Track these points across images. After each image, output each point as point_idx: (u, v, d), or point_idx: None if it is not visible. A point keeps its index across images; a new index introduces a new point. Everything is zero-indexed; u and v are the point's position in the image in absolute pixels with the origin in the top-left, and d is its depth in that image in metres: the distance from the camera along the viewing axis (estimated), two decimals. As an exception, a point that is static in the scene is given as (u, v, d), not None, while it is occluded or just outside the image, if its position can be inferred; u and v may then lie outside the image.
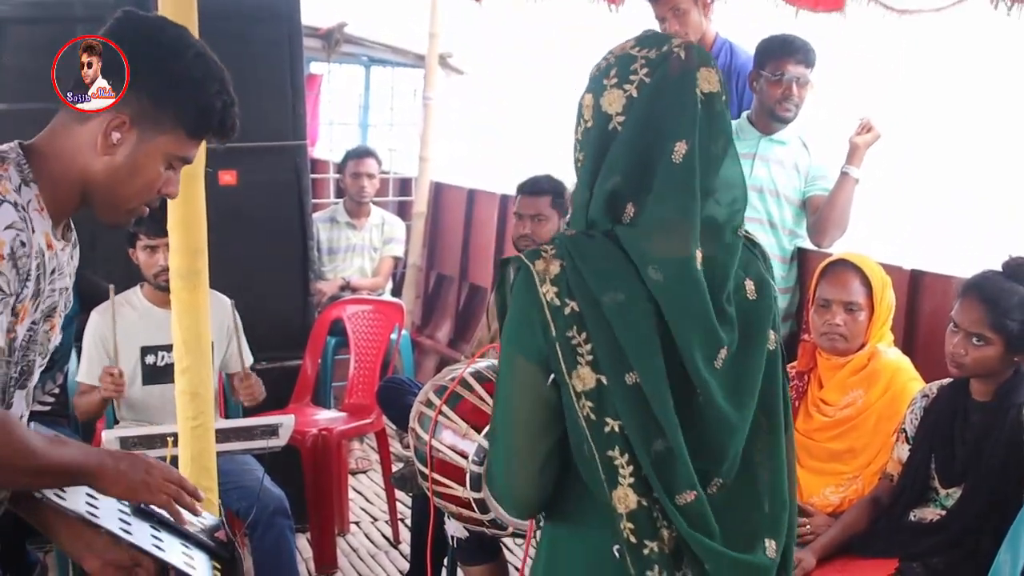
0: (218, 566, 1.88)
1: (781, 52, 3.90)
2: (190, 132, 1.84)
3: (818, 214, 3.89)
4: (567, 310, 1.59)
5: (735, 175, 1.68)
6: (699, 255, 1.62)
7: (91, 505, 1.80)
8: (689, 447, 1.60)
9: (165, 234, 2.86)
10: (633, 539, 1.61)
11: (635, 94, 1.63)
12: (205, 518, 1.93)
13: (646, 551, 1.61)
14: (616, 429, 1.59)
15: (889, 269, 3.34)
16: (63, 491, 1.79)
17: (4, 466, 1.71)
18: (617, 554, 1.63)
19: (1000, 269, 2.84)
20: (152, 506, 1.84)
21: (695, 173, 1.62)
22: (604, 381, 1.59)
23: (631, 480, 1.60)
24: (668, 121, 1.62)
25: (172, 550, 1.81)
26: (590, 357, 1.59)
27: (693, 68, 1.65)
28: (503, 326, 1.66)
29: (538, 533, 1.90)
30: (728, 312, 1.65)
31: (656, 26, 4.28)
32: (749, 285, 1.69)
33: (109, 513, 1.80)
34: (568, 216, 2.04)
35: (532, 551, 1.96)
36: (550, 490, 1.66)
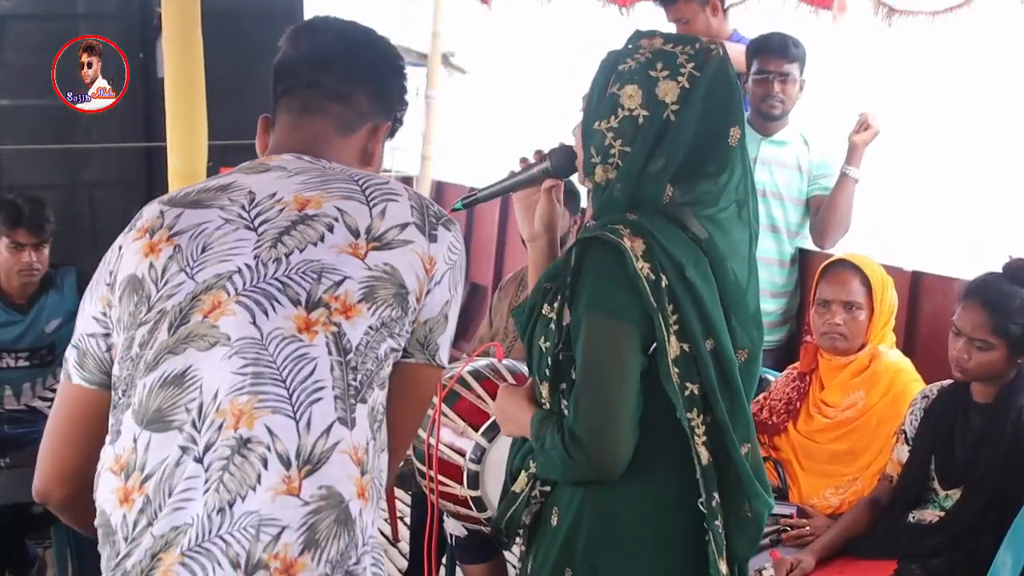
0: None
1: (761, 50, 3.90)
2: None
3: (820, 215, 3.88)
4: (662, 283, 1.72)
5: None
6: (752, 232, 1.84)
7: None
8: None
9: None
10: (704, 493, 1.77)
11: (687, 85, 1.76)
12: None
13: (713, 503, 1.77)
14: (695, 392, 1.75)
15: (890, 270, 3.33)
16: None
17: None
18: (702, 507, 1.78)
19: (1000, 271, 2.83)
20: None
21: (747, 154, 1.82)
22: (687, 348, 1.74)
23: (704, 439, 1.76)
24: (722, 110, 1.78)
25: None
26: (676, 327, 1.73)
27: (728, 62, 1.81)
28: (584, 298, 1.75)
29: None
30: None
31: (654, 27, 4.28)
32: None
33: None
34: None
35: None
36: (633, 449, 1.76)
